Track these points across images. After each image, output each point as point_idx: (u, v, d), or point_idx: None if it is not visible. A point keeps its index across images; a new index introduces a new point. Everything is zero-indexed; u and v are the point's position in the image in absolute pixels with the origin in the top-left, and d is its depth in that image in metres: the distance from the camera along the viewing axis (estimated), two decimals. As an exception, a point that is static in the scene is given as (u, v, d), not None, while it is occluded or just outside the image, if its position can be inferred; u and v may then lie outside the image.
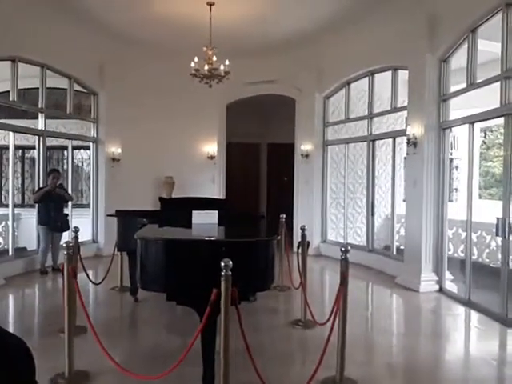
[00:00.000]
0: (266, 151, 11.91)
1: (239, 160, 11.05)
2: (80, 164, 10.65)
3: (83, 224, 6.76)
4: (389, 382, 3.44)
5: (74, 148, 8.77)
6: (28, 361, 0.61)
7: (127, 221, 5.00)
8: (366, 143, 7.84)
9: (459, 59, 5.74)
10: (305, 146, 8.81)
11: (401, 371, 3.69)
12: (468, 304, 5.24)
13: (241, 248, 2.93)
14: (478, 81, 5.22)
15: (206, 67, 6.35)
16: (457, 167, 10.26)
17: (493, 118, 5.20)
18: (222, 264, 2.55)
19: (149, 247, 3.01)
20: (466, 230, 5.59)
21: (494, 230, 4.81)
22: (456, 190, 10.19)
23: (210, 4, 6.42)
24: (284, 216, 6.23)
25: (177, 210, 4.55)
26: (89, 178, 9.28)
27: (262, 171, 11.93)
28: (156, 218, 4.68)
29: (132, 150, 8.50)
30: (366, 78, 7.61)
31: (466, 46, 5.42)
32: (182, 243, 3.07)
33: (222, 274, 2.56)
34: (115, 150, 8.51)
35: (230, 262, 2.55)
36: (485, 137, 15.48)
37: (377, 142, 7.75)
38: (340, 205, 8.77)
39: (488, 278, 5.88)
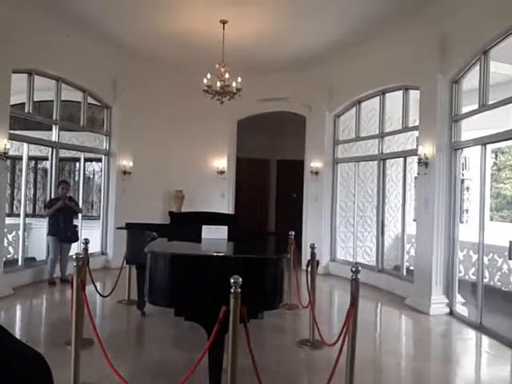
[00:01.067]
0: (275, 167, 11.93)
1: (248, 176, 11.08)
2: (91, 176, 10.75)
3: (92, 236, 6.78)
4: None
5: (86, 160, 8.89)
6: (47, 373, 0.60)
7: (137, 234, 5.01)
8: (376, 162, 7.83)
9: (471, 80, 5.76)
10: (314, 164, 8.82)
11: (410, 396, 3.61)
12: (479, 328, 5.13)
13: (251, 265, 2.92)
14: (490, 102, 5.21)
15: (219, 84, 6.43)
16: (468, 188, 10.18)
17: (506, 140, 5.16)
18: (232, 281, 2.54)
19: (158, 261, 3.01)
20: (477, 253, 5.51)
21: (507, 253, 4.75)
22: (467, 211, 10.09)
23: (224, 22, 6.53)
24: (293, 233, 6.20)
25: (186, 224, 4.57)
26: (100, 190, 9.36)
27: (272, 187, 11.94)
28: (166, 231, 4.70)
29: (143, 164, 8.58)
30: (377, 97, 7.64)
31: (477, 67, 5.42)
32: (192, 258, 3.07)
33: (232, 291, 2.55)
34: (127, 163, 8.59)
35: (240, 279, 2.54)
36: (496, 158, 15.39)
37: (387, 161, 7.73)
38: (349, 223, 8.72)
39: (500, 302, 5.78)
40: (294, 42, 7.45)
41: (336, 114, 8.63)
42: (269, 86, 8.77)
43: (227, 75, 6.44)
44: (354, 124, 8.32)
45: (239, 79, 6.54)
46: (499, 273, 6.83)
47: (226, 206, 9.16)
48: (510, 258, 4.68)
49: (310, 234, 8.68)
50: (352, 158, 8.49)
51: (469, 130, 6.11)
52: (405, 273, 6.94)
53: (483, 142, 5.34)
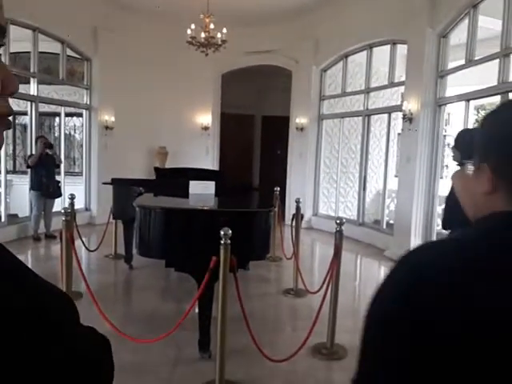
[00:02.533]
0: (260, 123, 11.82)
1: (233, 131, 10.99)
2: (72, 131, 10.51)
3: (76, 192, 6.72)
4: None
5: (66, 115, 8.64)
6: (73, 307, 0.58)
7: (123, 189, 5.01)
8: (361, 118, 7.85)
9: (458, 35, 5.72)
10: (300, 120, 8.79)
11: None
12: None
13: (241, 218, 2.99)
14: (477, 58, 5.21)
15: (203, 35, 6.25)
16: (449, 144, 10.34)
17: (489, 96, 5.22)
18: (222, 233, 2.61)
19: (149, 215, 3.05)
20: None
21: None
22: (447, 166, 10.30)
23: (209, -31, 6.25)
24: (278, 189, 6.29)
25: (172, 179, 4.58)
26: (81, 145, 9.20)
27: (256, 143, 11.88)
28: (152, 187, 4.71)
29: (125, 119, 8.40)
30: (365, 52, 7.54)
31: (466, 21, 5.38)
32: (183, 212, 3.12)
33: (222, 242, 2.62)
34: (108, 117, 8.40)
35: (230, 231, 2.61)
36: (477, 115, 15.54)
37: (373, 116, 7.75)
38: (333, 179, 8.85)
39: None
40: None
41: (323, 68, 8.52)
42: (255, 38, 8.53)
43: (212, 26, 6.25)
44: (341, 79, 8.24)
45: (224, 30, 6.36)
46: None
47: (210, 163, 9.15)
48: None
49: (294, 190, 8.79)
50: (337, 113, 8.48)
51: (456, 86, 6.15)
52: (385, 226, 7.16)
53: (467, 97, 5.40)
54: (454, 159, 2.95)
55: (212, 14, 6.23)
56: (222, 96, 9.48)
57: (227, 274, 2.66)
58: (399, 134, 7.08)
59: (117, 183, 5.18)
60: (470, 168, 0.74)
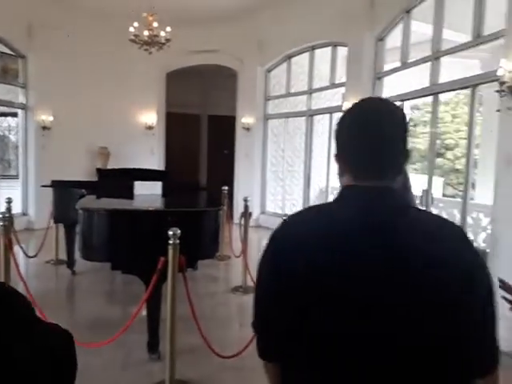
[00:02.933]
0: (206, 123, 11.78)
1: (179, 131, 10.86)
2: (7, 132, 9.91)
3: (12, 196, 6.38)
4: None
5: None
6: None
7: (64, 192, 4.82)
8: (304, 118, 8.06)
9: (393, 39, 6.04)
10: (246, 119, 8.87)
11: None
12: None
13: (189, 217, 2.99)
14: (410, 60, 5.54)
15: (147, 33, 6.14)
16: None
17: (422, 97, 5.56)
18: (170, 233, 2.60)
19: (93, 218, 2.97)
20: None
21: (418, 202, 5.24)
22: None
23: (150, -33, 6.14)
24: (226, 188, 6.32)
25: (116, 180, 4.46)
26: (16, 147, 8.70)
27: (203, 143, 11.83)
28: (94, 188, 4.56)
29: (64, 119, 8.05)
30: (307, 53, 7.75)
31: (401, 26, 5.70)
32: (129, 214, 3.06)
33: (170, 242, 2.61)
34: (46, 117, 8.02)
35: (178, 231, 2.61)
36: (412, 114, 16.42)
37: (315, 116, 7.98)
38: (279, 178, 9.02)
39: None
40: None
41: (267, 68, 8.65)
42: (200, 37, 8.48)
43: (155, 24, 6.15)
44: (285, 79, 8.41)
45: (168, 29, 6.28)
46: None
47: (156, 163, 8.98)
48: (420, 205, 5.17)
49: (242, 189, 8.85)
50: (282, 113, 8.65)
51: (394, 86, 6.46)
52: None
53: (402, 98, 5.71)
54: None
55: (156, 12, 6.13)
56: (168, 95, 9.35)
57: (176, 274, 2.66)
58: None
59: (57, 186, 4.96)
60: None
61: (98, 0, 7.43)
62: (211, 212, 3.11)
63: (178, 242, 2.57)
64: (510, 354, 3.47)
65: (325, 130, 8.17)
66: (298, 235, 0.95)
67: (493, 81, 3.83)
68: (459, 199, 6.24)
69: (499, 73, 3.57)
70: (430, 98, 5.32)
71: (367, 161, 0.93)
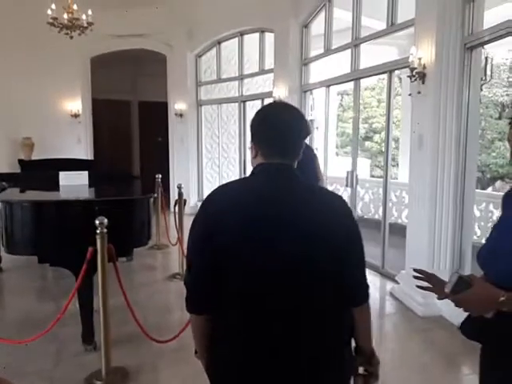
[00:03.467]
0: (137, 109, 11.44)
1: (108, 118, 10.46)
2: None
3: None
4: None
5: None
6: None
7: (-18, 185, 4.52)
8: (237, 104, 8.12)
9: (318, 26, 6.25)
10: (178, 106, 8.75)
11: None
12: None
13: (117, 206, 2.96)
14: (333, 47, 5.78)
15: (66, 16, 5.83)
16: (317, 128, 11.25)
17: (345, 82, 5.83)
18: (97, 222, 2.58)
19: (15, 210, 2.85)
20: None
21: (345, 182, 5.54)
22: (316, 149, 11.21)
23: None
24: (160, 176, 6.24)
25: (39, 172, 4.28)
26: None
27: (134, 130, 11.49)
28: (16, 181, 4.35)
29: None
30: (236, 39, 7.78)
31: (323, 13, 5.90)
32: (53, 204, 2.97)
33: (98, 231, 2.59)
34: (-43, 106, 7.40)
35: (106, 220, 2.59)
36: (341, 100, 17.03)
37: (248, 102, 8.07)
38: (215, 164, 9.04)
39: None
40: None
41: (197, 53, 8.56)
42: (126, 20, 8.16)
43: (75, 7, 5.85)
44: (215, 65, 8.39)
45: (90, 12, 6.00)
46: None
47: (83, 152, 8.61)
48: (346, 186, 5.48)
49: (178, 177, 8.78)
50: (215, 99, 8.65)
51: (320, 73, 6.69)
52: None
53: (327, 84, 5.96)
54: None
55: (75, -7, 5.83)
56: (95, 81, 8.95)
57: (106, 264, 2.65)
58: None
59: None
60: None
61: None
62: (140, 200, 3.11)
63: (105, 231, 2.56)
64: (425, 318, 3.85)
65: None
66: (222, 204, 1.26)
67: (405, 67, 4.12)
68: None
69: (410, 59, 3.86)
70: (351, 84, 5.59)
71: (273, 145, 1.27)
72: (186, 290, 1.27)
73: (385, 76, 4.93)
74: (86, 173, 3.91)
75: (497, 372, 1.34)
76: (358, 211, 7.94)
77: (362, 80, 5.41)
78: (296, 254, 1.18)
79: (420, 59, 3.77)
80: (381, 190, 6.52)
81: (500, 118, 13.33)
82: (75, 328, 3.20)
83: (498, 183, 13.03)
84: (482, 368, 1.44)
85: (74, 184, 3.81)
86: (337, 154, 12.24)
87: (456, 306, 1.26)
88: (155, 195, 3.52)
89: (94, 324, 3.12)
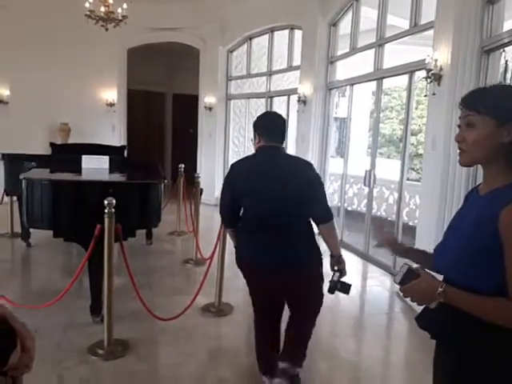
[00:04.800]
0: (171, 101, 11.77)
1: (143, 109, 10.84)
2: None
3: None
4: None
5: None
6: None
7: (15, 164, 4.88)
8: (264, 99, 8.23)
9: (347, 25, 6.25)
10: (208, 99, 8.96)
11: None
12: (340, 244, 6.04)
13: (126, 189, 3.16)
14: (358, 46, 5.78)
15: (103, 9, 6.13)
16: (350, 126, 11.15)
17: (368, 81, 5.81)
18: (106, 202, 2.78)
19: (34, 187, 3.11)
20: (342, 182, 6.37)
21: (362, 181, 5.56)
22: (348, 147, 11.10)
23: None
24: (183, 166, 6.44)
25: (68, 154, 4.56)
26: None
27: (167, 122, 11.83)
28: (47, 162, 4.66)
29: (23, 94, 7.93)
30: (267, 35, 7.88)
31: (351, 12, 5.91)
32: (68, 184, 3.21)
33: (106, 211, 2.79)
34: (2, 91, 7.90)
35: (114, 200, 2.79)
36: (373, 98, 16.63)
37: (278, 98, 8.15)
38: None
39: (360, 223, 6.77)
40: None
41: (229, 49, 8.73)
42: (161, 14, 8.43)
43: (111, 0, 6.14)
44: (246, 60, 8.52)
45: (125, 6, 6.28)
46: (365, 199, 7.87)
47: (117, 140, 8.96)
48: (364, 184, 5.49)
49: (205, 169, 9.00)
50: (244, 94, 8.79)
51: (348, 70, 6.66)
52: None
53: (351, 82, 5.97)
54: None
55: (112, -13, 6.12)
56: (131, 72, 9.31)
57: (112, 241, 2.85)
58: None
59: (7, 158, 5.01)
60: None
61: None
62: (149, 184, 3.30)
63: (113, 211, 2.75)
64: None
65: (282, 112, 8.35)
66: (239, 168, 2.37)
67: (424, 68, 4.11)
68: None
69: (426, 60, 3.85)
70: (373, 83, 5.57)
71: (269, 135, 2.31)
72: (220, 216, 2.52)
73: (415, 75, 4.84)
74: (106, 157, 4.15)
75: (442, 360, 1.41)
76: (383, 212, 7.87)
77: (385, 80, 5.40)
78: (278, 190, 2.19)
79: (436, 61, 3.75)
80: (406, 192, 6.48)
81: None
82: (88, 301, 3.44)
83: None
84: (434, 358, 1.50)
85: (96, 167, 4.06)
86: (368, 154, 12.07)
87: (403, 296, 1.35)
88: (165, 181, 3.69)
89: (102, 299, 3.33)
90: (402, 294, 1.35)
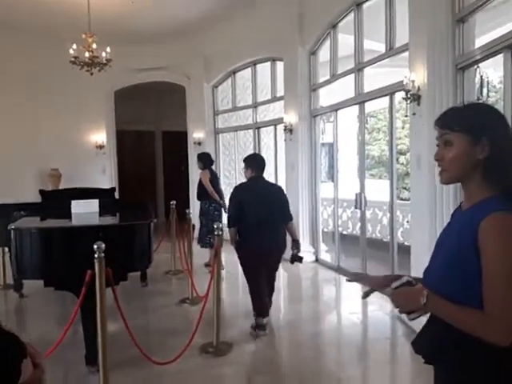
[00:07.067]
0: (161, 139, 11.86)
1: (133, 149, 10.92)
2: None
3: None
4: (262, 339, 3.90)
5: None
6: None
7: (4, 215, 4.82)
8: (251, 131, 8.32)
9: (326, 53, 6.41)
10: (197, 134, 9.05)
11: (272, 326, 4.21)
12: (337, 270, 6.00)
13: (114, 232, 3.13)
14: (338, 72, 5.90)
15: (87, 54, 6.25)
16: (337, 150, 11.25)
17: (350, 106, 5.90)
18: (95, 246, 2.74)
19: (23, 237, 3.07)
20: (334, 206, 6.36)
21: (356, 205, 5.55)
22: (337, 171, 11.17)
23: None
24: (174, 202, 6.42)
25: (58, 201, 4.53)
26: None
27: (158, 160, 11.88)
28: (37, 210, 4.62)
29: (7, 143, 7.97)
30: (250, 69, 8.04)
31: (329, 40, 6.07)
32: (53, 231, 3.17)
33: (96, 256, 2.75)
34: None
35: (103, 245, 2.75)
36: (366, 122, 16.91)
37: (264, 129, 8.25)
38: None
39: (356, 247, 6.73)
40: (167, 11, 7.37)
41: (214, 84, 8.90)
42: (145, 55, 8.63)
43: (95, 46, 6.28)
44: (231, 94, 8.67)
45: (108, 49, 6.41)
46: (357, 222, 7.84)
47: (108, 183, 8.97)
48: (355, 207, 5.49)
49: (197, 203, 8.95)
50: (231, 127, 8.90)
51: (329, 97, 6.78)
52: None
53: (334, 108, 6.06)
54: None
55: (95, 33, 6.26)
56: (119, 113, 9.42)
57: (104, 287, 2.79)
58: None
59: (-4, 210, 4.95)
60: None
61: (35, 21, 7.39)
62: (137, 225, 3.27)
63: (102, 255, 2.71)
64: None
65: (270, 142, 8.43)
66: (241, 188, 4.16)
67: (403, 89, 4.18)
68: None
69: (404, 82, 3.93)
70: (356, 107, 5.65)
71: (257, 169, 4.04)
72: (228, 217, 4.06)
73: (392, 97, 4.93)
74: (96, 201, 4.12)
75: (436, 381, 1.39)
76: (377, 234, 7.82)
77: (369, 102, 5.49)
78: (267, 202, 3.90)
79: (413, 81, 3.83)
80: (399, 212, 6.47)
81: None
82: (83, 350, 3.33)
83: None
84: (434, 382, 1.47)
85: (86, 211, 4.03)
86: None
87: (391, 300, 1.34)
88: (155, 220, 3.66)
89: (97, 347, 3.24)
90: (390, 297, 1.34)
